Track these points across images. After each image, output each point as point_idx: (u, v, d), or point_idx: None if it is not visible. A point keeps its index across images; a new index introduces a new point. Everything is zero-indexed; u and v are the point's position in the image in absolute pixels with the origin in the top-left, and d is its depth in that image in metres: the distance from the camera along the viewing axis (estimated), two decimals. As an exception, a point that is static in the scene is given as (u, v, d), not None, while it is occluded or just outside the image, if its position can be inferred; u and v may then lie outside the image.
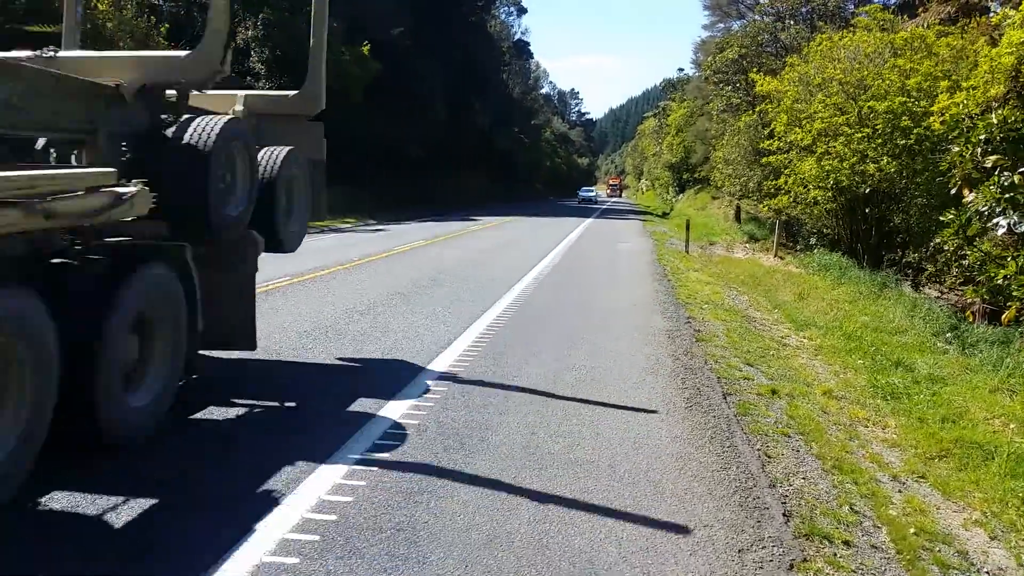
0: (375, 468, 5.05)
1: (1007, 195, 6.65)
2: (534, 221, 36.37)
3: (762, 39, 30.96)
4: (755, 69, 24.73)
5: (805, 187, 19.12)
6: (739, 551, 4.20)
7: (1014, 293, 6.76)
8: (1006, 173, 6.60)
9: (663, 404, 6.94)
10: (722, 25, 41.23)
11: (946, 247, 11.37)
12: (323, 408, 6.29)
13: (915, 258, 18.21)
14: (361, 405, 6.38)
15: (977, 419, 7.62)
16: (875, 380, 8.75)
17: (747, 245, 27.73)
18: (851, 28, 20.84)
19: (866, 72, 17.49)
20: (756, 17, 36.03)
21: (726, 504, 4.81)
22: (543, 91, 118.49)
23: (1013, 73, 8.49)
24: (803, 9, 32.60)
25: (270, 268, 11.34)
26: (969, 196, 6.99)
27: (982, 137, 6.78)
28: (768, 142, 20.94)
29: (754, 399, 7.40)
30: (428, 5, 48.77)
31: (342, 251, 18.71)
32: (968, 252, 8.90)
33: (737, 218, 34.46)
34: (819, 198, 18.67)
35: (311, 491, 4.63)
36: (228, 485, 4.71)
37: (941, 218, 7.90)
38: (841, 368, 9.55)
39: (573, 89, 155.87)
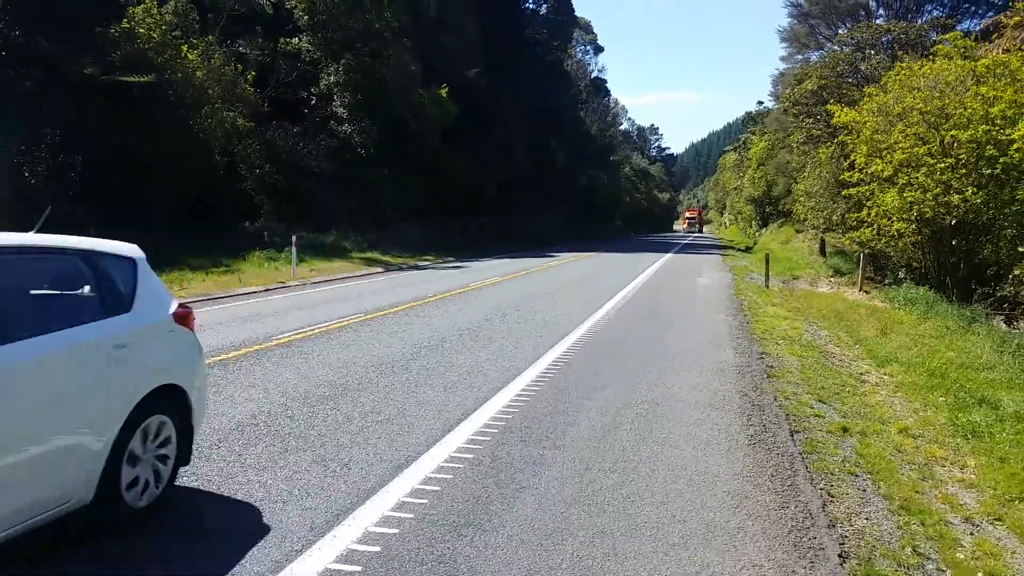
0: (424, 500, 5.10)
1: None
2: (612, 257, 36.23)
3: (841, 69, 30.32)
4: (834, 100, 24.19)
5: (888, 219, 18.53)
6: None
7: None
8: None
9: (725, 441, 6.80)
10: (800, 57, 40.72)
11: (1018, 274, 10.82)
12: (380, 437, 6.40)
13: (1010, 292, 17.36)
14: (417, 437, 6.47)
15: (1066, 460, 7.19)
16: (955, 418, 8.37)
17: (831, 279, 26.96)
18: (931, 56, 20.26)
19: (947, 101, 16.93)
20: (835, 47, 35.40)
21: (779, 544, 4.67)
22: (622, 127, 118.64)
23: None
24: (884, 39, 31.88)
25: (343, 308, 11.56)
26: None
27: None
28: (848, 174, 20.40)
29: (823, 437, 7.17)
30: (503, 46, 49.67)
31: (413, 289, 19.06)
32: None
33: (822, 252, 33.58)
34: (903, 230, 18.04)
35: (360, 522, 4.72)
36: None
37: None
38: (921, 406, 9.17)
39: (653, 125, 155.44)
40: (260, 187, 32.53)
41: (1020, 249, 8.32)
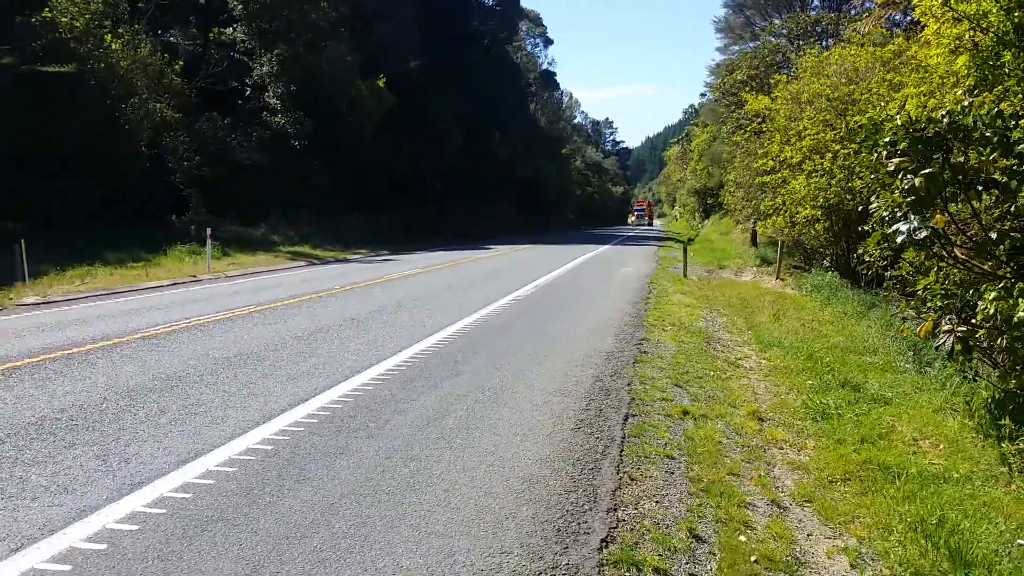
0: (189, 495, 4.86)
1: (909, 198, 6.27)
2: (548, 248, 36.08)
3: (772, 59, 30.50)
4: (760, 91, 24.26)
5: (798, 206, 18.59)
6: (520, 579, 3.89)
7: (928, 304, 6.31)
8: (908, 176, 6.21)
9: (551, 426, 6.62)
10: (736, 48, 40.96)
11: (868, 258, 10.86)
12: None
13: (901, 275, 17.47)
14: (224, 429, 6.20)
15: (903, 440, 7.14)
16: (809, 401, 8.32)
17: (757, 269, 27.10)
18: (846, 43, 20.37)
19: (855, 87, 17.01)
20: (770, 38, 35.65)
21: (543, 529, 4.49)
22: (575, 121, 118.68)
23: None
24: (816, 29, 32.15)
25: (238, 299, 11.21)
26: (874, 203, 6.59)
27: (887, 139, 6.40)
28: (761, 161, 20.46)
29: (658, 420, 7.04)
30: (444, 37, 49.24)
31: (326, 281, 18.71)
32: (902, 263, 8.46)
33: (753, 242, 33.77)
34: (811, 216, 18.11)
35: (102, 518, 4.46)
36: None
37: (863, 228, 7.48)
38: (786, 389, 9.12)
39: (607, 119, 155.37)
40: (189, 180, 31.80)
41: (860, 228, 8.20)
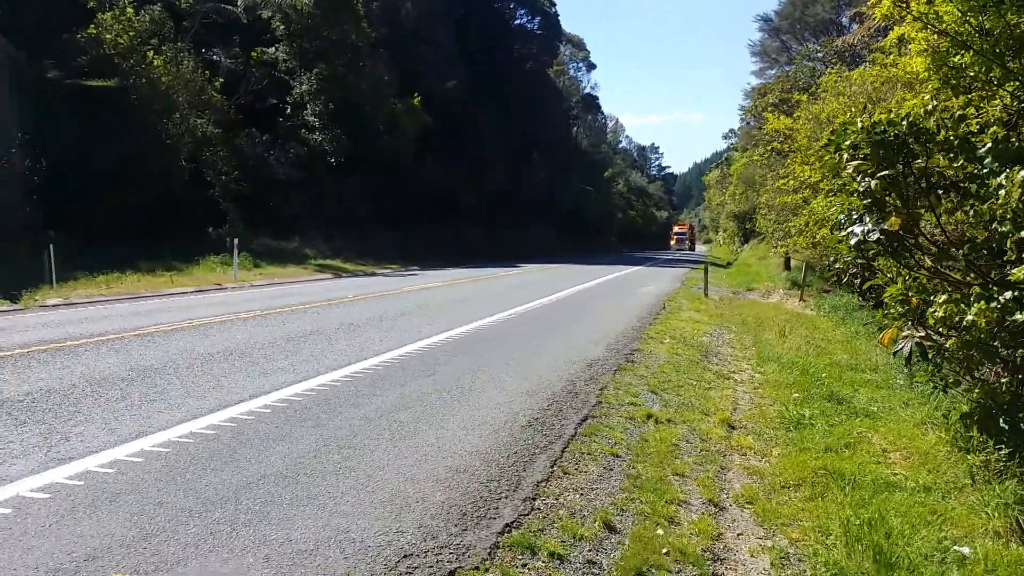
0: (113, 471, 4.95)
1: (866, 200, 6.16)
2: (578, 268, 35.90)
3: (803, 83, 30.17)
4: (786, 113, 23.99)
5: (819, 227, 18.28)
6: (405, 556, 3.86)
7: (891, 311, 6.17)
8: (867, 179, 6.11)
9: (504, 422, 6.58)
10: (772, 72, 40.57)
11: (837, 265, 10.60)
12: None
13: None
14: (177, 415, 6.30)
15: (871, 451, 6.95)
16: (786, 412, 8.14)
17: (786, 292, 26.69)
18: (865, 64, 20.05)
19: (873, 107, 16.71)
20: (805, 62, 35.30)
21: (447, 513, 4.45)
22: (621, 145, 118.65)
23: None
24: (847, 54, 31.74)
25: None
26: (832, 207, 6.47)
27: (848, 143, 6.31)
28: (783, 181, 20.19)
29: (618, 423, 6.94)
30: (486, 61, 49.78)
31: (343, 291, 18.95)
32: (878, 271, 8.28)
33: (786, 266, 33.26)
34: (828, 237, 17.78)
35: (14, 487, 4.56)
36: None
37: (835, 232, 7.34)
38: (770, 401, 8.94)
39: (653, 144, 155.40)
40: (227, 194, 32.49)
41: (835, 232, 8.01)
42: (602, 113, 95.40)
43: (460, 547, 4.01)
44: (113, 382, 7.44)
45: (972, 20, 6.14)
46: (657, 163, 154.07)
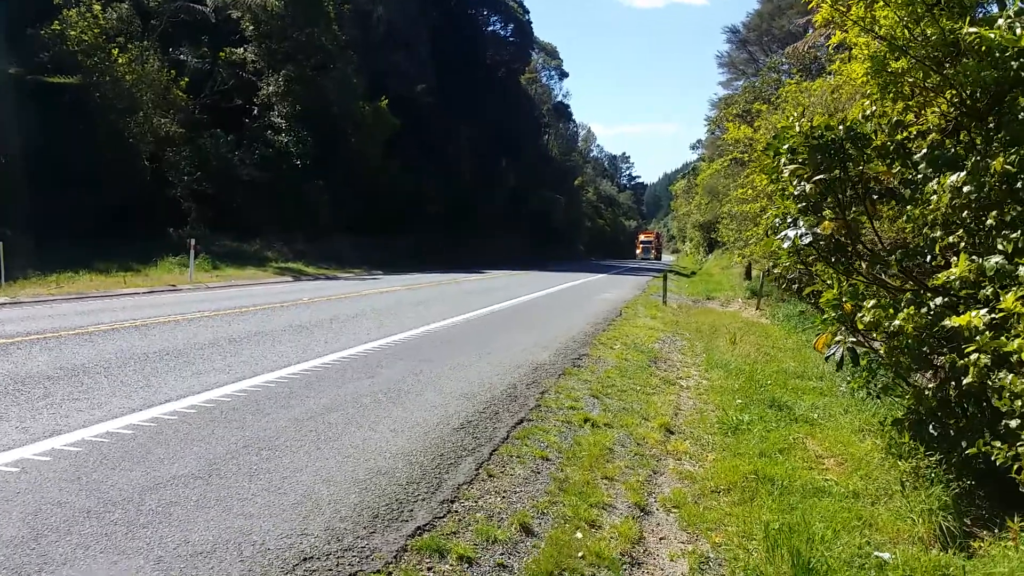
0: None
1: (800, 204, 6.15)
2: (542, 274, 35.85)
3: (767, 93, 30.46)
4: (748, 123, 24.19)
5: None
6: (305, 559, 3.74)
7: (824, 316, 6.17)
8: (803, 183, 6.11)
9: (436, 424, 6.48)
10: (739, 83, 40.94)
11: (776, 270, 10.67)
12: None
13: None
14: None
15: (805, 457, 6.95)
16: (726, 417, 8.13)
17: (745, 301, 26.87)
18: (826, 75, 20.28)
19: (830, 119, 16.88)
20: (771, 73, 35.65)
21: (357, 515, 4.34)
22: (592, 154, 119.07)
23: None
24: (813, 66, 32.10)
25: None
26: (768, 211, 6.46)
27: (785, 147, 6.31)
28: (743, 191, 20.34)
29: (553, 426, 6.87)
30: (458, 67, 49.66)
31: (298, 294, 18.71)
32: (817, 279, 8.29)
33: (747, 275, 33.52)
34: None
35: None
36: None
37: (769, 235, 7.35)
38: (713, 407, 8.93)
39: (624, 153, 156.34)
40: (188, 194, 32.07)
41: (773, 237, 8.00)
42: (574, 121, 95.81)
43: (365, 550, 3.90)
44: (38, 380, 7.22)
45: (911, 26, 6.16)
46: (628, 173, 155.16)
